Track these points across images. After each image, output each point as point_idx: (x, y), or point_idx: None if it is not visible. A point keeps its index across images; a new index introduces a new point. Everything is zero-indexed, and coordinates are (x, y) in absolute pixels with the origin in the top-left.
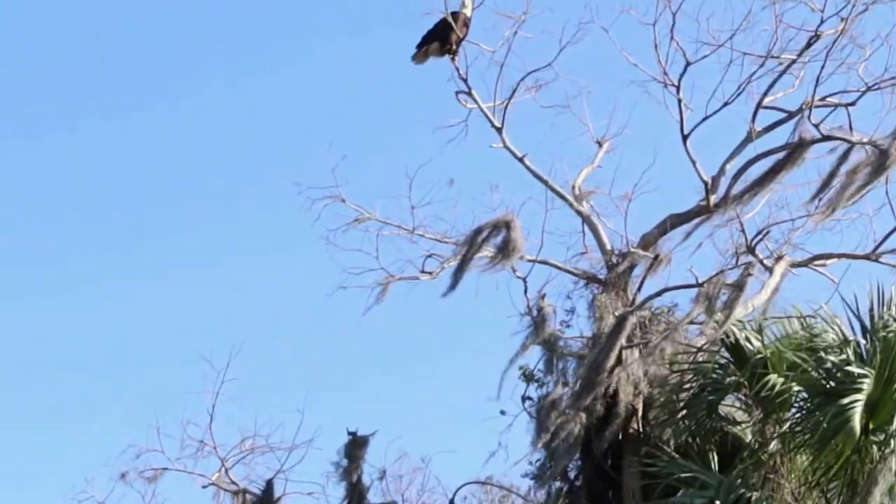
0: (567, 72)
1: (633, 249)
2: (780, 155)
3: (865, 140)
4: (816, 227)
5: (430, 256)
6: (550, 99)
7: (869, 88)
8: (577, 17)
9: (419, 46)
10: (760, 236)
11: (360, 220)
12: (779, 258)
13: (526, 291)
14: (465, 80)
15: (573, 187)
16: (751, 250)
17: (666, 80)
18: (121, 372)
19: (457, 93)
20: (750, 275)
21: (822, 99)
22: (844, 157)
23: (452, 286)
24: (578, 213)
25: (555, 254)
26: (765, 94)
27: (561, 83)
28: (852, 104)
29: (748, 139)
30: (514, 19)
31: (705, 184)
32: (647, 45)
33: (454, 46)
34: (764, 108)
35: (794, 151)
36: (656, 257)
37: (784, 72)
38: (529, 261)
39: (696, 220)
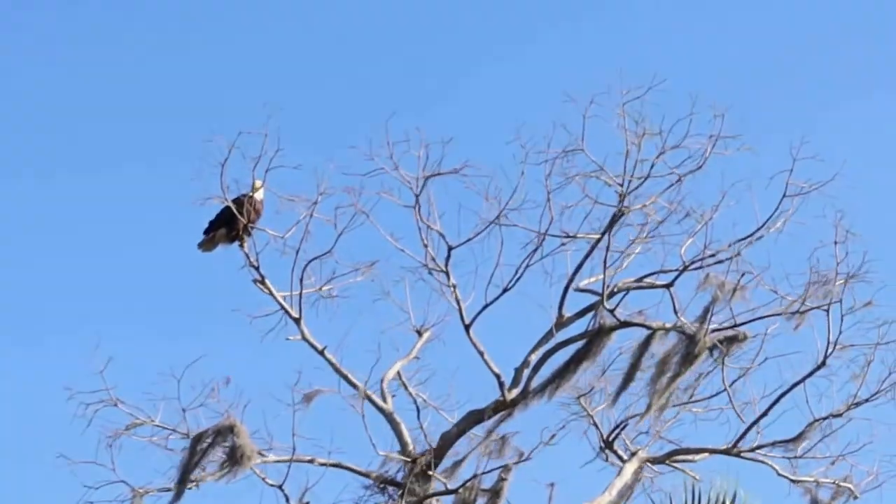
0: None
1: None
2: (580, 344)
3: (669, 325)
4: (658, 427)
5: None
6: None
7: (686, 268)
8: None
9: (206, 233)
10: (617, 430)
11: (133, 425)
12: (632, 454)
13: (288, 500)
14: (256, 268)
15: (382, 381)
16: (608, 446)
17: (432, 267)
18: None
19: (254, 281)
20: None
21: (640, 279)
22: (646, 344)
23: (174, 500)
24: (381, 410)
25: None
26: (574, 276)
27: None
28: (669, 285)
29: (556, 325)
30: (306, 201)
31: (496, 376)
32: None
33: (241, 233)
34: (580, 291)
35: (593, 340)
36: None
37: (591, 251)
38: (321, 464)
39: (497, 417)
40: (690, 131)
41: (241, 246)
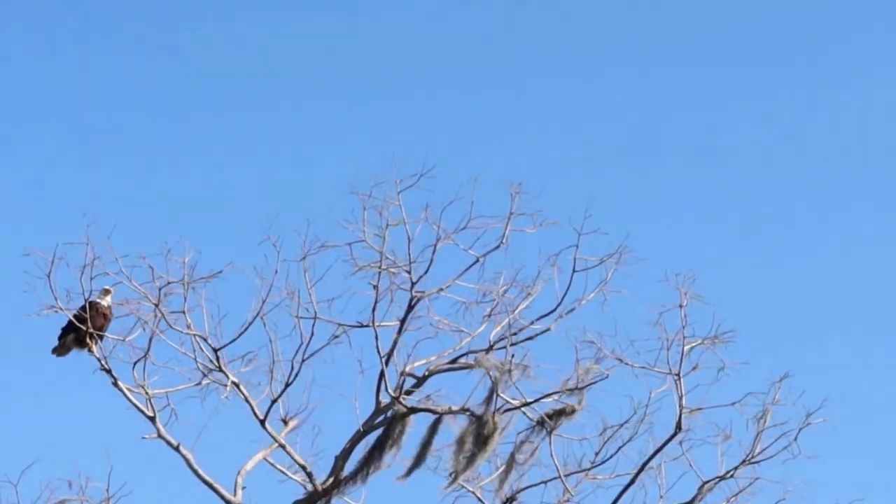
0: None
1: None
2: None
3: (456, 408)
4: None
5: None
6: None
7: (492, 347)
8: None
9: (59, 339)
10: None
11: None
12: None
13: None
14: (108, 371)
15: (239, 473)
16: None
17: (210, 367)
18: None
19: (112, 383)
20: None
21: (454, 361)
22: (434, 428)
23: None
24: (228, 503)
25: None
26: (387, 362)
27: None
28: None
29: (375, 412)
30: (151, 301)
31: (303, 468)
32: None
33: (86, 338)
34: (405, 375)
35: (390, 427)
36: None
37: (400, 334)
38: None
39: None
40: (490, 212)
41: (90, 351)
